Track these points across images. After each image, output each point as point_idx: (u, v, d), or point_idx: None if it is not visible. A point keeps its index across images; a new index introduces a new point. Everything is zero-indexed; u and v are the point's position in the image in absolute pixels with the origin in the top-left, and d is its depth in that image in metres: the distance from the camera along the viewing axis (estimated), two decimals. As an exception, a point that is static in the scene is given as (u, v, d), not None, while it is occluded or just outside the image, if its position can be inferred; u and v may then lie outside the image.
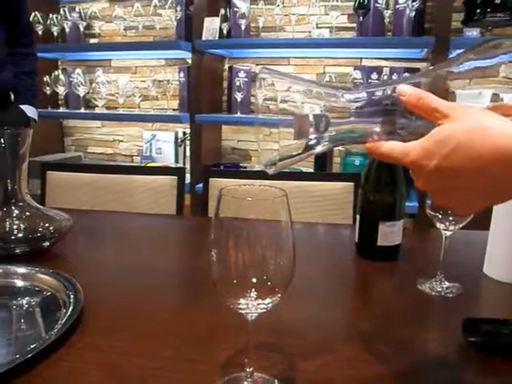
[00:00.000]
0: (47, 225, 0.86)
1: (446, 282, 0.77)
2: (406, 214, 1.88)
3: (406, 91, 0.45)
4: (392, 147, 0.46)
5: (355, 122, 0.49)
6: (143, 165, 2.60)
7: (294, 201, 1.26)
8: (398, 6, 2.16)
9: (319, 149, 0.50)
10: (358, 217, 0.90)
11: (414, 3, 2.07)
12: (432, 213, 0.77)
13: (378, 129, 0.48)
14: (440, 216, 0.75)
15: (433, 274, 0.78)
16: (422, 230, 1.28)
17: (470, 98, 0.47)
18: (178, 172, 1.35)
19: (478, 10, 2.03)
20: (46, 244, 0.86)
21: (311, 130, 0.49)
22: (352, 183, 1.31)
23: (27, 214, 0.86)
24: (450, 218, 0.75)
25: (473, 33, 2.05)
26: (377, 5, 2.17)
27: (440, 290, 0.75)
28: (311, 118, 0.49)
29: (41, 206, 0.92)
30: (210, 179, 1.35)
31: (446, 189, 0.43)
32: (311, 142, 0.50)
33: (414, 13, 2.09)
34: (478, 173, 0.40)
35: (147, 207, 1.37)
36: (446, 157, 0.41)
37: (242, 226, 0.45)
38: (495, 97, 0.47)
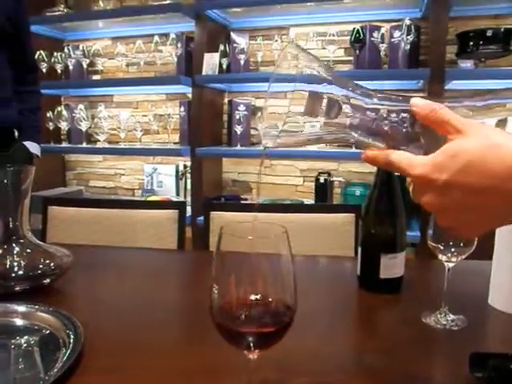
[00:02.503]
0: (48, 261, 0.86)
1: (451, 315, 0.76)
2: (407, 244, 1.87)
3: (419, 102, 0.44)
4: (400, 157, 0.44)
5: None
6: (144, 198, 2.61)
7: (296, 233, 1.25)
8: (393, 40, 2.21)
9: (322, 133, 0.49)
10: (359, 249, 0.90)
11: (408, 37, 2.13)
12: (434, 244, 0.76)
13: (384, 138, 0.47)
14: (442, 247, 0.75)
15: (437, 306, 0.77)
16: (424, 260, 1.27)
17: None
18: (179, 206, 1.35)
19: (471, 43, 2.08)
20: (47, 281, 0.85)
21: (322, 111, 0.48)
22: (353, 214, 1.31)
23: (28, 250, 0.86)
24: (452, 250, 0.74)
25: (467, 64, 2.09)
26: (372, 39, 2.22)
27: (445, 322, 0.74)
28: (326, 100, 0.48)
29: (42, 243, 0.92)
30: (211, 213, 1.35)
31: (454, 207, 0.41)
32: (317, 125, 0.49)
33: (408, 46, 2.15)
34: (493, 190, 0.38)
35: (148, 241, 1.37)
36: (457, 173, 0.39)
37: (243, 262, 0.45)
38: (501, 123, 0.47)
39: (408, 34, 2.12)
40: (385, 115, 0.48)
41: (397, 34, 2.19)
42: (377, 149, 0.47)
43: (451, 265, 0.76)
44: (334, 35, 2.30)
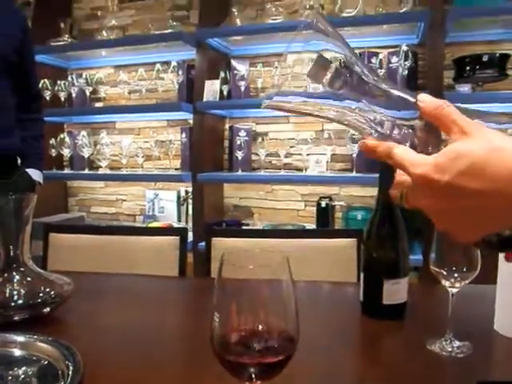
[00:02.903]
0: (48, 290, 0.85)
1: (456, 341, 0.74)
2: (410, 268, 1.85)
3: (426, 98, 0.43)
4: (404, 153, 0.42)
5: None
6: (146, 224, 2.61)
7: (297, 259, 1.25)
8: (390, 65, 2.25)
9: (320, 103, 0.47)
10: (361, 274, 0.89)
11: (405, 62, 2.16)
12: (436, 269, 0.76)
13: (388, 130, 0.46)
14: (445, 273, 0.74)
15: (442, 332, 0.76)
16: (427, 285, 1.26)
17: None
18: (180, 232, 1.35)
19: (468, 68, 2.11)
20: (47, 310, 0.84)
21: (326, 78, 0.46)
22: (355, 239, 1.30)
23: (28, 279, 0.86)
24: (456, 275, 0.74)
25: (464, 88, 2.12)
26: (370, 64, 2.26)
27: (450, 349, 0.73)
28: (333, 68, 0.46)
29: (42, 271, 0.91)
30: (212, 239, 1.35)
31: (453, 209, 0.40)
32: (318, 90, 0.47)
33: (406, 71, 2.18)
34: (494, 194, 0.38)
35: (150, 268, 1.36)
36: (459, 175, 0.38)
37: (245, 290, 0.45)
38: None
39: (405, 60, 2.16)
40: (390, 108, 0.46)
41: (394, 59, 2.23)
42: (373, 139, 0.46)
43: (455, 290, 0.75)
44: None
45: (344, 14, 2.25)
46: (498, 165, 0.37)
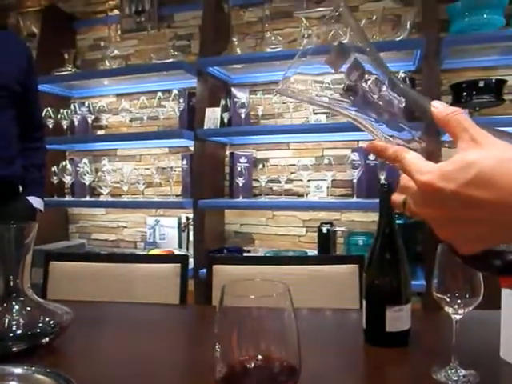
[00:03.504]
0: (48, 319, 0.84)
1: (462, 370, 0.73)
2: (413, 294, 1.83)
3: (440, 104, 0.43)
4: (413, 158, 0.42)
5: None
6: (146, 251, 2.60)
7: (299, 285, 1.24)
8: (381, 93, 2.27)
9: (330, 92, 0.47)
10: (364, 302, 0.88)
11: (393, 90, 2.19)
12: (439, 295, 0.75)
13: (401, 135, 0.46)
14: (448, 299, 0.74)
15: (447, 360, 0.74)
16: (431, 311, 1.24)
17: None
18: (181, 260, 1.34)
19: (465, 93, 2.13)
20: (46, 340, 0.83)
21: (344, 67, 0.47)
22: (356, 265, 1.29)
23: (28, 308, 0.85)
24: (459, 301, 0.73)
25: (462, 114, 2.14)
26: (367, 88, 2.29)
27: (456, 379, 0.72)
28: (353, 58, 0.47)
29: (42, 300, 0.91)
30: (214, 266, 1.34)
31: (458, 219, 0.39)
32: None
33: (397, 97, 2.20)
34: (499, 204, 0.37)
35: (150, 296, 1.35)
36: (465, 184, 0.38)
37: (246, 321, 0.44)
38: None
39: (393, 88, 2.18)
40: (401, 106, 0.47)
41: (384, 88, 2.25)
42: (375, 137, 0.46)
43: (458, 317, 0.75)
44: (329, 84, 2.37)
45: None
46: (505, 174, 0.37)
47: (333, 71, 0.49)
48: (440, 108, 0.43)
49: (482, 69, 2.31)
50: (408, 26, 2.20)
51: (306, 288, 1.31)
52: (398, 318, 0.84)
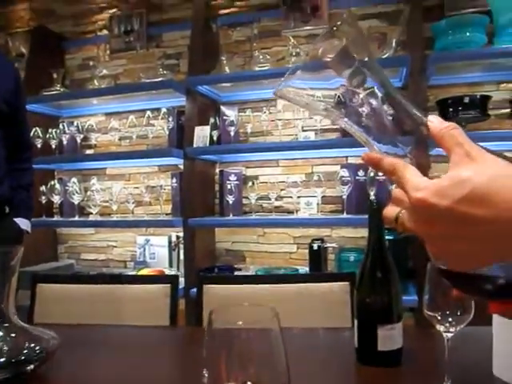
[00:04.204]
0: (33, 345, 0.82)
1: (455, 389, 0.72)
2: (405, 309, 1.82)
3: (436, 118, 0.43)
4: (408, 173, 0.42)
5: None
6: (136, 271, 2.57)
7: (290, 304, 1.22)
8: (372, 106, 2.30)
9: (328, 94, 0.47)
10: (355, 321, 0.87)
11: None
12: (430, 313, 0.75)
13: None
14: (439, 317, 0.73)
15: (440, 378, 0.74)
16: (423, 327, 1.23)
17: None
18: (171, 280, 1.33)
19: (451, 109, 2.17)
20: (31, 367, 0.81)
21: (347, 72, 0.47)
22: (348, 283, 1.29)
23: (12, 335, 0.83)
24: (450, 319, 0.73)
25: (449, 129, 2.17)
26: (353, 104, 2.31)
27: (449, 398, 0.71)
28: (355, 64, 0.47)
29: (27, 325, 0.88)
30: (204, 286, 1.32)
31: (451, 236, 0.39)
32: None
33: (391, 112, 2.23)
34: (498, 222, 0.36)
35: (140, 317, 1.33)
36: (459, 200, 0.37)
37: (235, 345, 0.44)
38: None
39: (383, 102, 2.21)
40: (395, 119, 0.47)
41: (374, 101, 2.28)
42: (368, 147, 0.47)
43: (450, 335, 0.74)
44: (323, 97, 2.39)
45: (326, 59, 2.32)
46: (502, 192, 0.36)
47: (331, 82, 0.49)
48: (435, 122, 0.43)
49: (468, 85, 2.35)
50: (394, 44, 2.24)
51: (298, 306, 1.30)
52: (390, 337, 0.83)
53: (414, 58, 2.11)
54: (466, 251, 0.39)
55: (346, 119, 0.50)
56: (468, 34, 2.09)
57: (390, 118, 0.49)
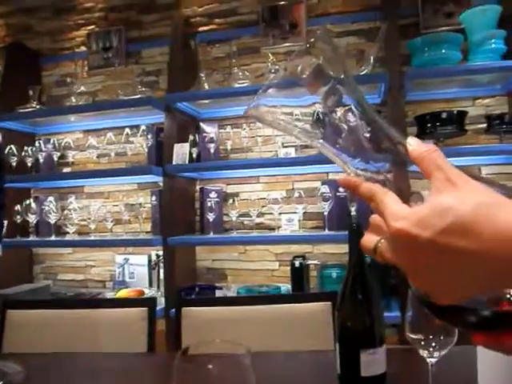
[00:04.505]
0: (-3, 380, 0.77)
1: (440, 415, 0.70)
2: (388, 326, 1.80)
3: (416, 141, 0.41)
4: (387, 200, 0.39)
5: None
6: (115, 291, 2.50)
7: (271, 325, 1.19)
8: (349, 123, 2.31)
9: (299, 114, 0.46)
10: (337, 345, 0.85)
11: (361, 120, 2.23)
12: (413, 336, 0.73)
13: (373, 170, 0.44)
14: (422, 342, 0.71)
15: (424, 405, 0.72)
16: (406, 347, 1.21)
17: None
18: (149, 303, 1.28)
19: (429, 124, 2.19)
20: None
21: (322, 90, 0.45)
22: (329, 303, 1.26)
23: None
24: (433, 344, 0.71)
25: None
26: (333, 120, 2.32)
27: (434, 426, 0.69)
28: (331, 83, 0.45)
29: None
30: (183, 308, 1.28)
31: (434, 267, 0.37)
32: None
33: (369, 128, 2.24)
34: (481, 254, 0.34)
35: (117, 343, 1.28)
36: (441, 231, 0.35)
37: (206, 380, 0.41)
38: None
39: (361, 119, 2.22)
40: (372, 138, 0.45)
41: (352, 118, 2.29)
42: (344, 169, 0.45)
43: (434, 360, 0.72)
44: (299, 115, 2.39)
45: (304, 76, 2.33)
46: (485, 222, 0.34)
47: (304, 99, 0.48)
48: (414, 145, 0.41)
49: (444, 101, 2.38)
50: (372, 61, 2.26)
51: (280, 328, 1.27)
52: (373, 362, 0.81)
53: (391, 74, 2.13)
54: (449, 283, 0.37)
55: (321, 140, 0.48)
56: (443, 51, 2.13)
57: (367, 135, 0.47)
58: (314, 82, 0.47)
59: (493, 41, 2.09)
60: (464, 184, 0.37)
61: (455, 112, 2.17)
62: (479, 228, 0.34)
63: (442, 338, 0.71)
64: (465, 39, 2.16)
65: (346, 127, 0.48)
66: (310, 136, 0.49)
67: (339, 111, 0.49)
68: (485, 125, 2.25)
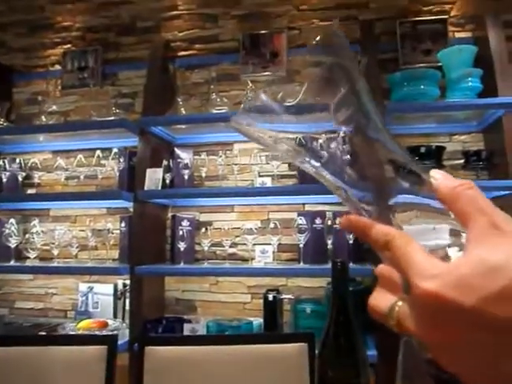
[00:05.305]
0: None
1: None
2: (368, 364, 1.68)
3: (440, 175, 0.33)
4: (411, 250, 0.30)
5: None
6: (76, 322, 2.34)
7: (243, 369, 1.08)
8: (330, 150, 2.28)
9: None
10: (316, 399, 0.76)
11: (344, 146, 2.20)
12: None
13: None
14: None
15: None
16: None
17: (419, 234, 0.34)
18: (108, 341, 1.17)
19: (407, 158, 2.18)
20: None
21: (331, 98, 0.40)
22: (305, 344, 1.18)
23: None
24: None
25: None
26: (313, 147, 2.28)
27: None
28: (343, 91, 0.39)
29: None
30: (146, 348, 1.18)
31: (477, 342, 0.27)
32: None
33: (348, 155, 2.21)
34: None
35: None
36: (491, 298, 0.26)
37: None
38: (455, 232, 0.34)
39: (344, 144, 2.20)
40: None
41: (334, 144, 2.27)
42: (338, 194, 0.39)
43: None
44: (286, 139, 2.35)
45: (286, 104, 2.31)
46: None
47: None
48: (442, 179, 0.33)
49: (423, 135, 2.38)
50: (351, 93, 2.25)
51: (251, 371, 1.18)
52: (355, 419, 0.73)
53: (372, 107, 2.12)
54: (494, 367, 0.27)
55: (313, 161, 0.42)
56: (422, 86, 2.14)
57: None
58: (324, 88, 0.42)
59: (469, 79, 2.12)
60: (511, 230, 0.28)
61: (433, 147, 2.17)
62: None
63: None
64: (442, 76, 2.19)
65: (346, 153, 0.42)
66: (299, 154, 0.43)
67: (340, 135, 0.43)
68: (462, 161, 2.25)
